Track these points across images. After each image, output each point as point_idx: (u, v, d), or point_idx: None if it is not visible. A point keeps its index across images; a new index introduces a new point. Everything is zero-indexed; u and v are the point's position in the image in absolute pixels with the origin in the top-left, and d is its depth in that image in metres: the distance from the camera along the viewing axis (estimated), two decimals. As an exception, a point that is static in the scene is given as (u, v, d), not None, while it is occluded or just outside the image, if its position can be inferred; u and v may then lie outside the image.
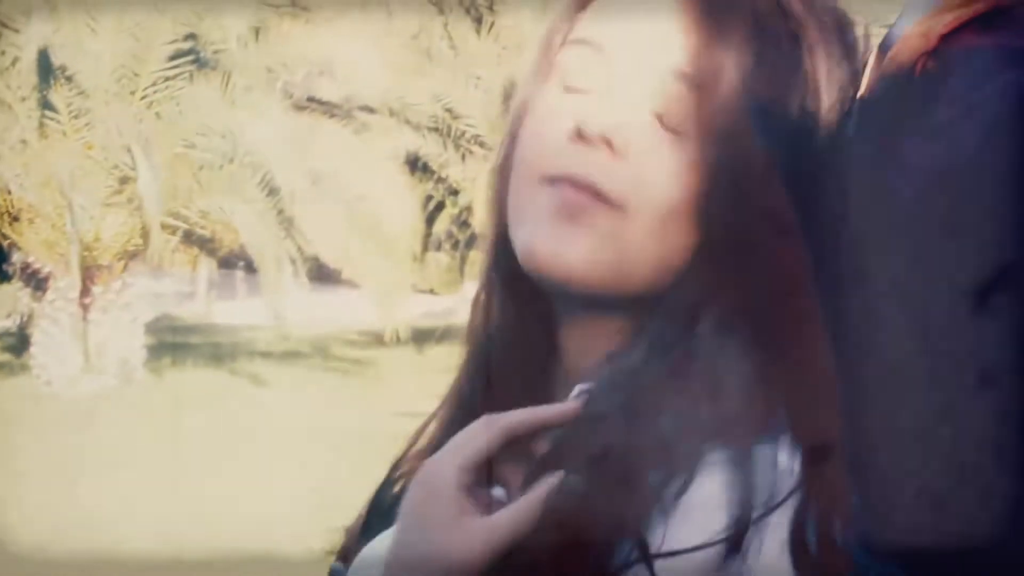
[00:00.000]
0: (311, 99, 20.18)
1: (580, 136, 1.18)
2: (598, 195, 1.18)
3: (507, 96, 21.07)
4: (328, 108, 20.11)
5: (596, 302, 1.20)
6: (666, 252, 1.18)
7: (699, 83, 1.18)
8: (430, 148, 21.20)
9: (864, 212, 1.10)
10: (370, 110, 20.77)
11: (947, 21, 1.12)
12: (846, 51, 1.23)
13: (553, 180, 1.20)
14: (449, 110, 21.04)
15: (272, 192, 17.76)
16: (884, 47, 1.18)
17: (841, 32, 1.24)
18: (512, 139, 1.27)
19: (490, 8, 21.58)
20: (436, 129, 21.16)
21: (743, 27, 1.19)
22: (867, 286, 1.09)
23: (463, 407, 1.27)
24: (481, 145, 20.80)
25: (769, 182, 1.15)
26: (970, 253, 1.01)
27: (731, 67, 1.18)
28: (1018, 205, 1.00)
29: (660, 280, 1.18)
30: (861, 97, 1.17)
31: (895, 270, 1.07)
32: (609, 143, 1.18)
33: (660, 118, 1.19)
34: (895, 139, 1.10)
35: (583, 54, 1.22)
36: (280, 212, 17.89)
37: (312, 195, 18.00)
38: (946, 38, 1.11)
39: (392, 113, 20.96)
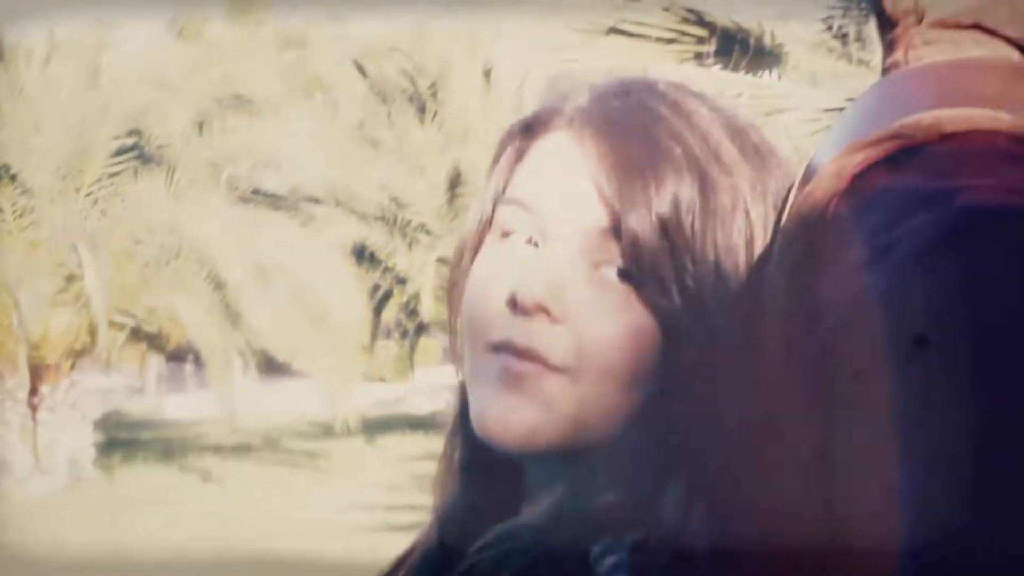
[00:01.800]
0: (256, 191, 20.24)
1: (516, 306, 1.18)
2: (541, 362, 1.18)
3: (452, 184, 21.19)
4: (273, 200, 20.17)
5: (560, 457, 1.21)
6: (623, 403, 1.19)
7: (630, 231, 1.19)
8: (376, 238, 21.27)
9: (777, 353, 1.09)
10: (316, 201, 20.84)
11: (859, 160, 1.10)
12: (778, 189, 1.24)
13: (496, 347, 1.20)
14: (395, 199, 21.14)
15: (219, 286, 17.75)
16: (805, 179, 1.17)
17: (771, 169, 1.25)
18: (457, 288, 1.28)
19: (433, 96, 21.72)
20: (382, 218, 21.25)
21: (673, 172, 1.20)
22: (777, 426, 1.09)
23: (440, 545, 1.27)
24: (427, 233, 20.88)
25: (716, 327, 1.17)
26: (878, 402, 1.00)
27: (664, 212, 1.19)
28: (928, 353, 0.98)
29: (616, 428, 1.19)
30: (780, 232, 1.16)
31: (806, 414, 1.06)
32: (546, 311, 1.18)
33: (597, 265, 1.20)
34: (808, 281, 1.08)
35: (517, 213, 1.23)
36: (227, 306, 17.87)
37: (259, 288, 18.00)
38: (858, 178, 1.10)
39: (338, 203, 21.04)
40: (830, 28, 10.41)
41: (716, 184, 1.21)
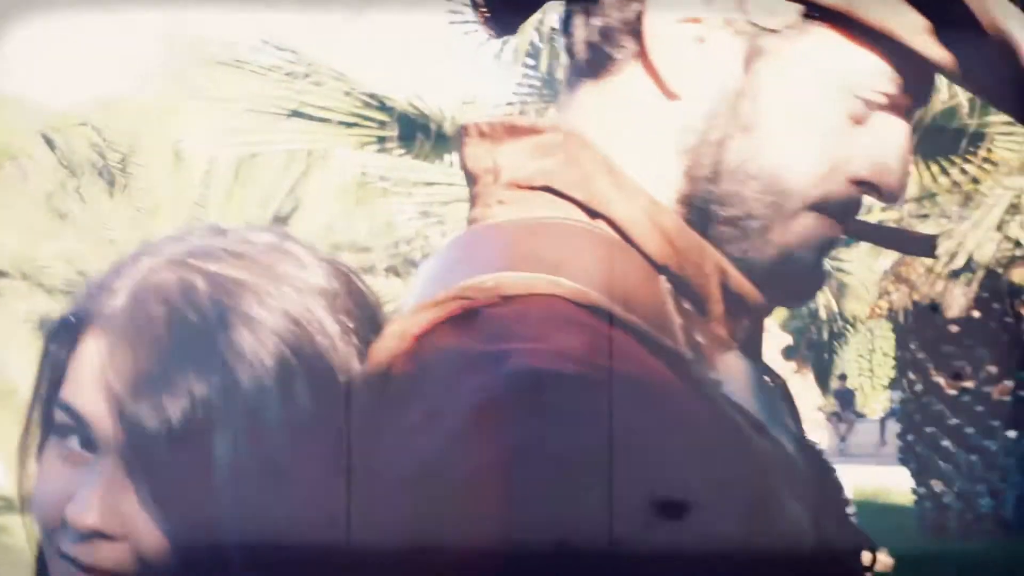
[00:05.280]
0: (-61, 266, 19.75)
1: (70, 523, 1.18)
2: (110, 574, 1.18)
3: (142, 258, 20.91)
4: (-44, 274, 19.71)
5: None
6: None
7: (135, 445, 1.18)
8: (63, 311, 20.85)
9: (356, 513, 1.07)
10: (3, 274, 20.41)
11: (420, 322, 1.10)
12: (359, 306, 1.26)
13: (63, 556, 1.20)
14: (82, 272, 20.78)
15: (-102, 361, 17.30)
16: None
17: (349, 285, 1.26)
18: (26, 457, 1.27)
19: (123, 170, 21.46)
20: (70, 292, 20.83)
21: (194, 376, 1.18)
22: None
23: None
24: (115, 308, 20.53)
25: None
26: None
27: (176, 421, 1.17)
28: (476, 518, 0.97)
29: None
30: (352, 393, 1.17)
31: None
32: (102, 533, 1.18)
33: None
34: (374, 439, 1.07)
35: (66, 418, 1.22)
36: (-93, 381, 17.42)
37: (-58, 362, 17.58)
38: (421, 339, 1.09)
39: (24, 276, 20.63)
40: (511, 115, 10.42)
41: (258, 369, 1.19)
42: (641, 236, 1.19)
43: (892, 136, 1.24)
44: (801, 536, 1.10)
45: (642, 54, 1.22)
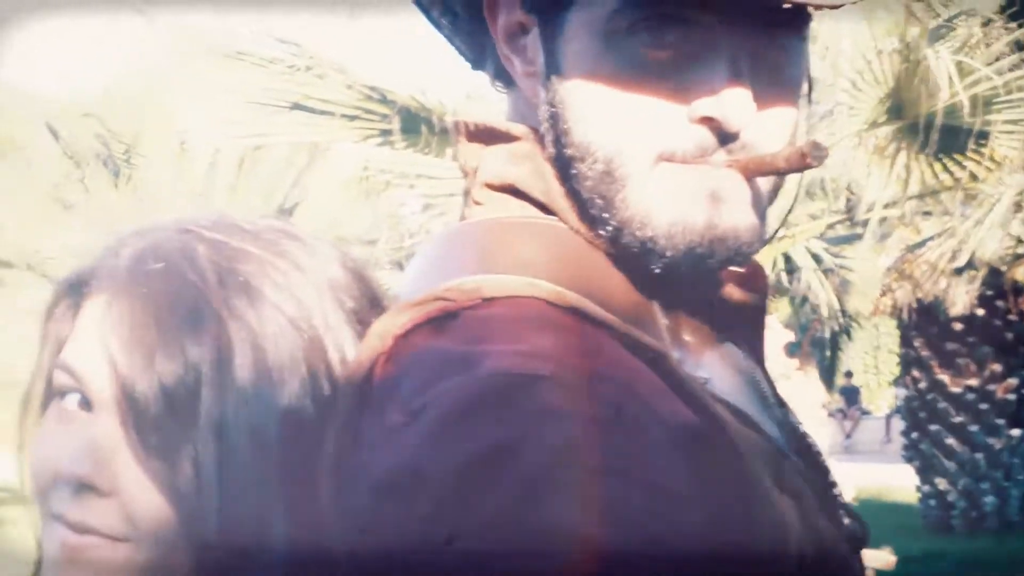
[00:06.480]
0: (-57, 255, 19.77)
1: (65, 480, 1.18)
2: (98, 535, 1.18)
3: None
4: (-38, 264, 19.72)
5: None
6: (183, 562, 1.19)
7: (133, 401, 1.17)
8: (68, 302, 20.82)
9: (329, 499, 1.08)
10: (8, 265, 20.41)
11: (402, 323, 1.10)
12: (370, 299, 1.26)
13: (55, 518, 1.20)
14: (87, 264, 20.78)
15: (-100, 351, 17.30)
16: None
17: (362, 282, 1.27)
18: (24, 446, 1.27)
19: (127, 161, 21.46)
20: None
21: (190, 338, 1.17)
22: None
23: None
24: (119, 299, 20.51)
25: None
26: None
27: (169, 382, 1.17)
28: (455, 520, 0.96)
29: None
30: (340, 389, 1.17)
31: None
32: (93, 487, 1.18)
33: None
34: (356, 441, 1.07)
35: (67, 378, 1.22)
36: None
37: (-56, 352, 17.58)
38: (401, 339, 1.10)
39: (30, 267, 20.63)
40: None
41: (248, 338, 1.18)
42: None
43: (717, 62, 1.15)
44: (789, 530, 1.09)
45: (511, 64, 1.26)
